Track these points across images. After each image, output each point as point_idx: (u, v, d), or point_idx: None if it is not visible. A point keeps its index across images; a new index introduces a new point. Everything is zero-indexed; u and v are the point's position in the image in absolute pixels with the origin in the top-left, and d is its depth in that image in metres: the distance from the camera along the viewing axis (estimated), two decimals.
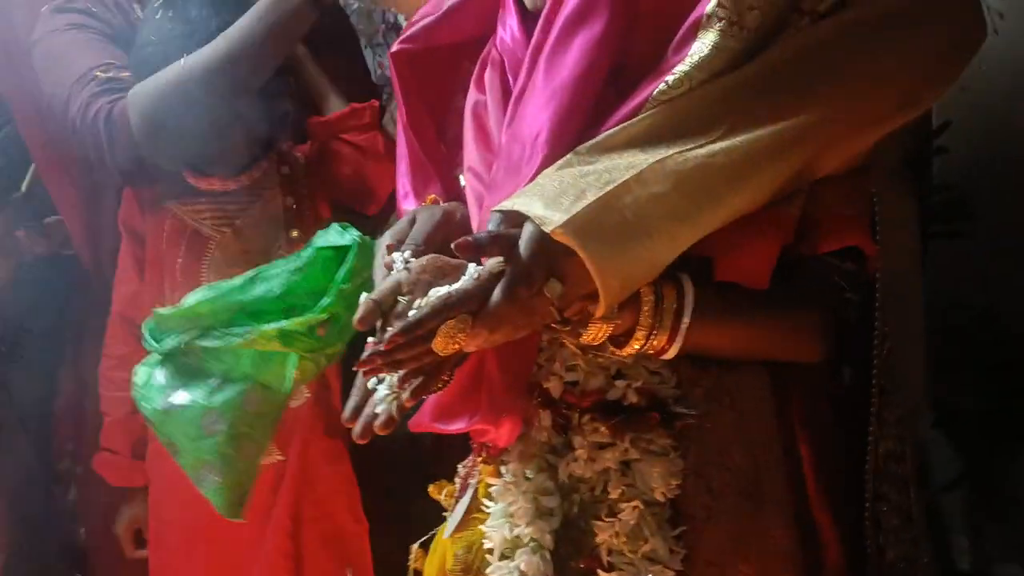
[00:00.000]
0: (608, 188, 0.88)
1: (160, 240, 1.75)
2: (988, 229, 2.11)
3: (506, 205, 0.90)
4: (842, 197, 1.02)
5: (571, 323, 0.91)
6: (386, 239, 1.02)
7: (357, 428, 0.94)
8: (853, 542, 1.06)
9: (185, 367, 1.43)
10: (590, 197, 0.87)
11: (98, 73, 1.64)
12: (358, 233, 1.42)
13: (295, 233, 1.74)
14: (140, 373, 1.48)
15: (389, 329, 0.87)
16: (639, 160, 0.90)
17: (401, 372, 0.88)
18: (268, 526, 1.70)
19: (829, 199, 1.01)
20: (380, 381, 0.91)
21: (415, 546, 1.22)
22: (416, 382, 0.89)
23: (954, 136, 2.11)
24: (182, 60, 1.57)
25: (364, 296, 0.91)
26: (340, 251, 1.40)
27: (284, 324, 1.35)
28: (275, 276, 1.42)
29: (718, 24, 0.93)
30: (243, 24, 1.56)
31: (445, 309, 0.86)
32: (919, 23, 0.94)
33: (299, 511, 1.73)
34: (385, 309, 0.90)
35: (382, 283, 0.93)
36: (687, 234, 0.90)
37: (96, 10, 1.74)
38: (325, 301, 1.36)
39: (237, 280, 1.45)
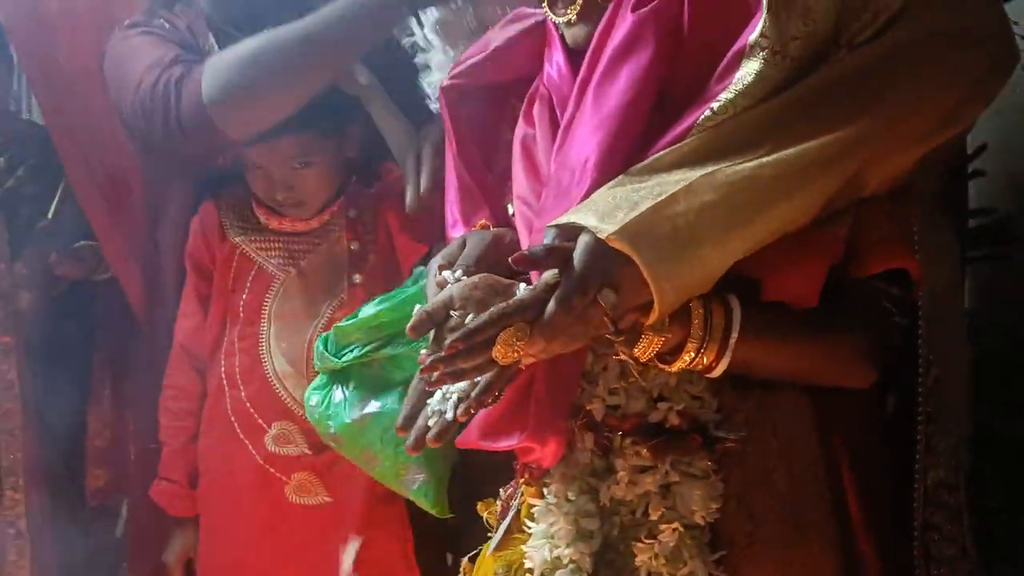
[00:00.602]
0: (660, 199, 0.91)
1: (227, 276, 1.78)
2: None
3: (561, 219, 0.93)
4: (886, 218, 1.04)
5: (624, 334, 0.93)
6: (437, 260, 1.06)
7: (411, 439, 0.96)
8: (899, 573, 1.07)
9: (367, 378, 1.43)
10: (643, 207, 0.90)
11: (171, 57, 1.65)
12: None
13: (358, 277, 1.77)
14: (315, 396, 1.48)
15: (449, 337, 0.90)
16: (689, 175, 0.93)
17: (458, 385, 0.91)
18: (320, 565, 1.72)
19: (874, 220, 1.03)
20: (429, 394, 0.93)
21: (465, 560, 1.24)
22: (473, 394, 0.91)
23: (991, 159, 2.11)
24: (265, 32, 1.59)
25: (417, 307, 0.94)
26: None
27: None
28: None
29: (761, 53, 0.95)
30: (335, 6, 1.57)
31: (504, 317, 0.89)
32: (957, 47, 0.97)
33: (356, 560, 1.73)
34: (437, 321, 0.94)
35: (435, 298, 0.96)
36: (737, 243, 0.93)
37: (169, 27, 1.77)
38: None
39: (410, 288, 1.45)
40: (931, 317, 1.06)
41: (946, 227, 1.14)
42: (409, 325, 0.94)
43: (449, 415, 0.94)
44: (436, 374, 0.91)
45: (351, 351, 1.45)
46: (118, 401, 2.07)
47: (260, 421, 1.73)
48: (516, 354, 0.89)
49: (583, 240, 0.90)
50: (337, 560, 1.71)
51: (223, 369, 1.76)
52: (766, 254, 0.96)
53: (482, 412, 1.00)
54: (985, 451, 2.14)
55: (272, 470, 1.73)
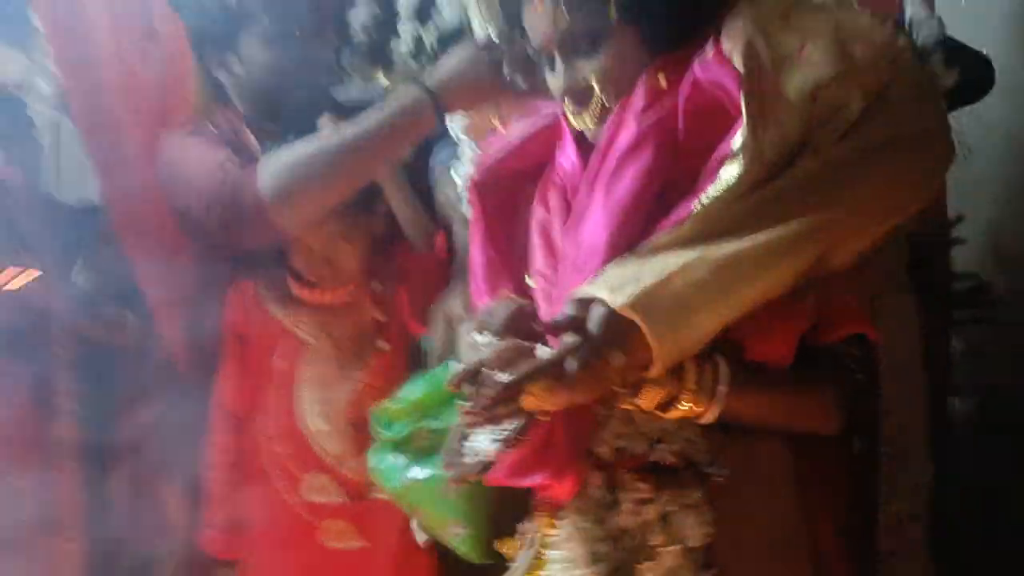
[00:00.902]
0: (661, 276, 1.10)
1: (264, 344, 1.97)
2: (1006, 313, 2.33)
3: (579, 293, 1.12)
4: (847, 291, 1.24)
5: (631, 388, 1.12)
6: (470, 327, 1.26)
7: (455, 474, 1.15)
8: None
9: (416, 447, 1.59)
10: (647, 283, 1.09)
11: (225, 162, 1.86)
12: None
13: (385, 345, 1.97)
14: (375, 457, 1.65)
15: (486, 391, 1.09)
16: (684, 255, 1.11)
17: (493, 428, 1.10)
18: None
19: (837, 293, 1.23)
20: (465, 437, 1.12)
21: None
22: (506, 435, 1.11)
23: (972, 227, 2.31)
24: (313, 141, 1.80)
25: (454, 365, 1.13)
26: None
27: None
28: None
29: (741, 158, 1.15)
30: (372, 116, 1.77)
31: (535, 373, 1.08)
32: (904, 150, 1.16)
33: None
34: (472, 378, 1.12)
35: (470, 359, 1.15)
36: (724, 311, 1.12)
37: (217, 131, 1.98)
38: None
39: (443, 370, 1.63)
40: (890, 375, 1.27)
41: (905, 299, 1.34)
42: (450, 379, 1.13)
43: (486, 452, 1.13)
44: (475, 420, 1.10)
45: (400, 427, 1.63)
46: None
47: (295, 473, 1.92)
48: (542, 404, 1.08)
49: (598, 310, 1.09)
50: None
51: (260, 427, 1.96)
52: (748, 321, 1.14)
53: (509, 455, 1.18)
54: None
55: (307, 517, 1.91)
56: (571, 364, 1.07)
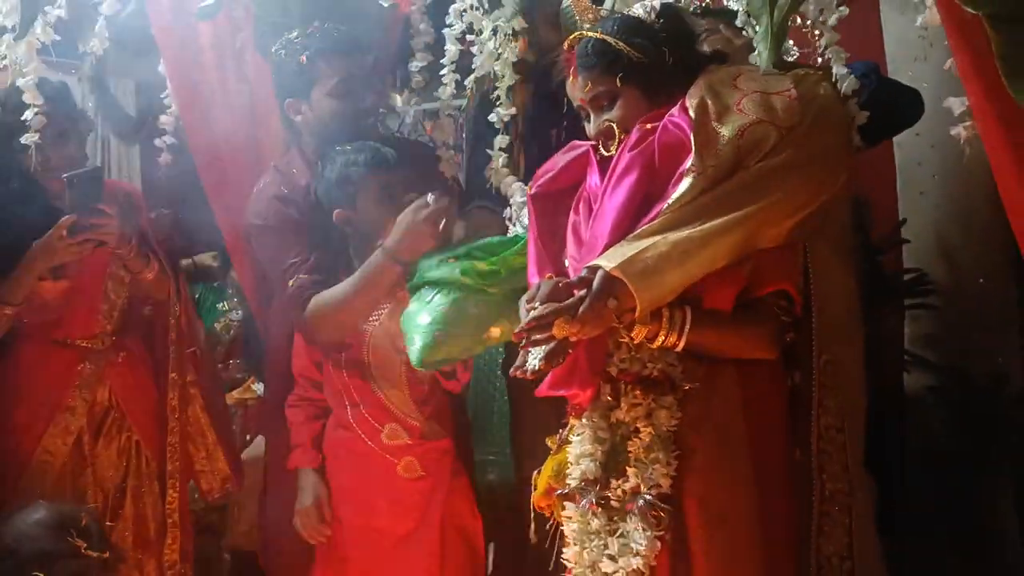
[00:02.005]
0: (638, 250, 1.69)
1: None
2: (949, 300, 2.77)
3: (590, 263, 1.73)
4: (773, 262, 1.81)
5: (624, 324, 1.73)
6: (526, 297, 1.82)
7: (515, 373, 1.76)
8: (803, 472, 1.86)
9: (418, 295, 2.24)
10: (628, 254, 1.69)
11: (292, 274, 2.48)
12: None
13: None
14: (407, 324, 2.25)
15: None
16: (654, 238, 1.71)
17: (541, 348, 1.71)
18: (421, 524, 2.50)
19: (765, 262, 1.81)
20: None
21: (535, 472, 2.03)
22: (546, 352, 1.71)
23: (913, 229, 2.82)
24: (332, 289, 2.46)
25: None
26: (512, 239, 2.23)
27: (464, 264, 2.18)
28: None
29: (692, 174, 1.75)
30: (358, 278, 2.42)
31: (561, 310, 1.68)
32: (804, 167, 1.76)
33: (442, 513, 2.52)
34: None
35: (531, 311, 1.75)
36: (681, 273, 1.71)
37: (292, 197, 2.56)
38: (495, 259, 2.18)
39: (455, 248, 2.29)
40: (822, 322, 1.85)
41: (838, 265, 1.90)
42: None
43: (535, 364, 1.73)
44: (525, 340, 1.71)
45: (415, 277, 2.30)
46: None
47: (376, 425, 2.49)
48: (563, 333, 1.68)
49: (599, 273, 1.70)
50: (431, 513, 2.50)
51: (343, 395, 2.52)
52: (703, 281, 1.74)
53: (549, 375, 1.81)
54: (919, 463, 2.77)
55: (387, 456, 2.49)
56: (582, 308, 1.68)
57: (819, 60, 2.13)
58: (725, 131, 1.76)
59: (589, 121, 1.97)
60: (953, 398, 2.75)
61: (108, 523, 2.64)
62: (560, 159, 2.05)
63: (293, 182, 2.57)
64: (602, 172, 1.93)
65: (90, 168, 2.60)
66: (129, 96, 4.11)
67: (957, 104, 1.88)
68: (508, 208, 2.45)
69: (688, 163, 1.76)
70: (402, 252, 2.34)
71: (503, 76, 2.42)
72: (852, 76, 2.03)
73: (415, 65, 2.68)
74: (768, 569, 1.80)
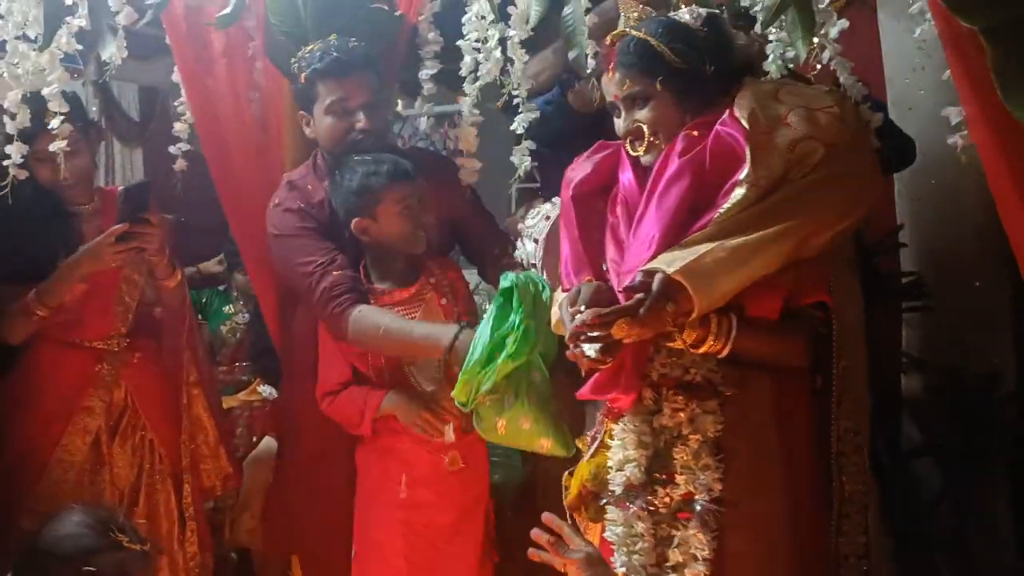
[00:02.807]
0: (695, 255, 1.76)
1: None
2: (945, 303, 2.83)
3: (644, 268, 1.78)
4: (813, 273, 1.89)
5: (678, 328, 1.78)
6: (567, 301, 1.89)
7: (573, 355, 1.85)
8: (824, 475, 1.93)
9: (488, 408, 2.22)
10: (688, 259, 1.75)
11: (319, 274, 2.50)
12: (513, 275, 2.23)
13: (452, 324, 2.48)
14: (475, 420, 2.27)
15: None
16: (710, 244, 1.78)
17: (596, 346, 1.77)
18: (464, 515, 2.59)
19: (805, 274, 1.88)
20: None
21: (566, 473, 2.09)
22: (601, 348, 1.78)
23: (910, 233, 2.88)
24: (385, 321, 2.47)
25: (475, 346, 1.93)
26: (507, 291, 2.20)
27: (506, 351, 2.15)
28: (481, 335, 2.22)
29: (745, 185, 1.82)
30: (414, 332, 2.44)
31: (622, 311, 1.75)
32: (843, 180, 1.85)
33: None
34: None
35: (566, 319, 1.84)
36: (736, 278, 1.78)
37: (309, 210, 2.60)
38: (516, 320, 2.16)
39: (468, 354, 2.23)
40: (841, 331, 1.93)
41: (852, 278, 2.00)
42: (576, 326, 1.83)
43: (592, 353, 1.81)
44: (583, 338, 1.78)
45: (469, 403, 2.25)
46: None
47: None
48: (622, 334, 1.74)
49: (658, 276, 1.75)
50: (475, 505, 2.63)
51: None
52: (748, 291, 1.81)
53: (594, 378, 1.88)
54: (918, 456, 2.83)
55: (435, 453, 2.56)
56: (641, 311, 1.74)
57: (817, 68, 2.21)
58: (777, 144, 1.83)
59: (619, 117, 2.02)
60: (949, 398, 2.81)
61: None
62: (589, 161, 2.10)
63: (308, 196, 2.63)
64: (636, 172, 2.00)
65: (142, 181, 2.71)
66: (132, 101, 4.15)
67: (954, 114, 1.91)
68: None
69: (742, 174, 1.83)
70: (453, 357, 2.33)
71: (519, 84, 2.49)
72: (859, 83, 2.11)
73: (424, 73, 2.75)
74: (800, 573, 1.87)
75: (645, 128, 1.96)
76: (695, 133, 1.91)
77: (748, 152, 1.82)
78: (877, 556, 1.97)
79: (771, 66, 2.04)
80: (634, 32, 1.97)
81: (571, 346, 1.84)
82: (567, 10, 2.65)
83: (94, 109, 3.74)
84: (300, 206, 2.61)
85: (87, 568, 2.28)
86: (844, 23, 2.12)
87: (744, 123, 1.86)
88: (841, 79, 2.08)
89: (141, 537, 2.40)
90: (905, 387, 2.92)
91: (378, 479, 2.59)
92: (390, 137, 2.90)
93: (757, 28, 2.09)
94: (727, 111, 1.90)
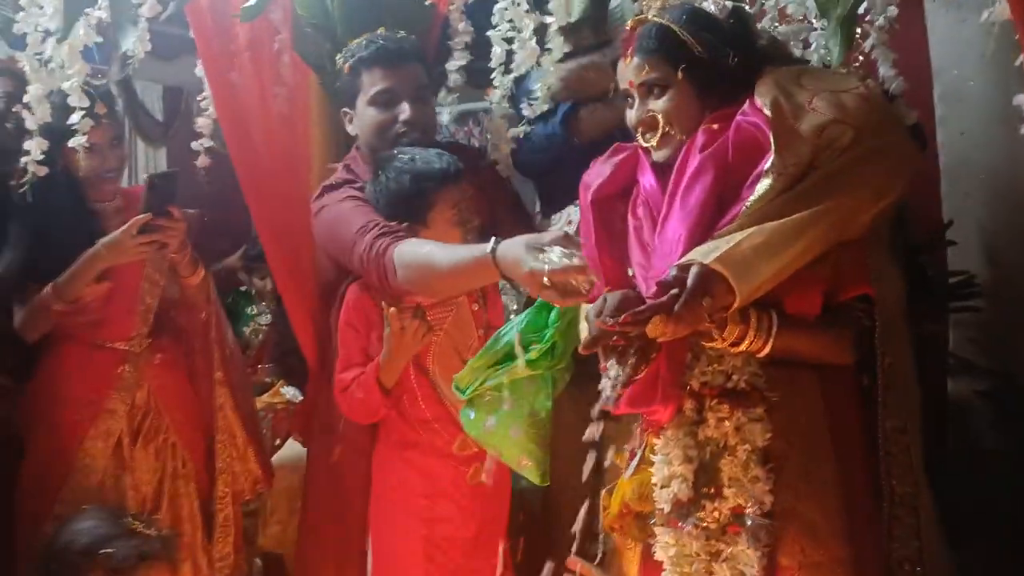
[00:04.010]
0: (732, 243, 1.68)
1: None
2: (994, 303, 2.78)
3: (679, 262, 1.71)
4: (853, 265, 1.82)
5: (716, 324, 1.71)
6: (593, 311, 1.82)
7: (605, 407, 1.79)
8: (874, 476, 1.84)
9: (484, 402, 2.17)
10: (724, 248, 1.68)
11: (373, 225, 2.33)
12: None
13: (482, 331, 2.46)
14: (462, 415, 2.23)
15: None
16: (745, 232, 1.70)
17: (622, 365, 1.71)
18: (483, 527, 2.52)
19: (845, 265, 1.81)
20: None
21: (604, 491, 2.00)
22: (634, 362, 1.71)
23: (958, 231, 2.82)
24: (428, 247, 2.23)
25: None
26: (547, 304, 2.09)
27: (527, 357, 2.08)
28: (508, 330, 2.16)
29: (772, 174, 1.75)
30: (464, 255, 2.13)
31: (657, 308, 1.67)
32: (880, 160, 1.77)
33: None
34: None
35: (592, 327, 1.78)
36: (776, 263, 1.71)
37: (358, 183, 2.50)
38: (547, 334, 2.09)
39: (488, 341, 2.19)
40: (884, 324, 1.84)
41: (893, 268, 1.91)
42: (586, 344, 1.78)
43: (614, 394, 1.74)
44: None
45: (469, 389, 2.20)
46: None
47: (448, 437, 2.47)
48: (657, 332, 1.67)
49: (694, 269, 1.68)
50: (496, 517, 2.54)
51: (409, 407, 2.47)
52: (787, 285, 1.73)
53: (628, 391, 1.79)
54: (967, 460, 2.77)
55: (460, 467, 2.48)
56: (678, 306, 1.67)
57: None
58: (803, 130, 1.76)
59: (631, 107, 1.94)
60: (997, 402, 2.75)
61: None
62: (607, 163, 2.03)
63: (360, 179, 2.54)
64: (656, 173, 1.92)
65: (170, 171, 2.64)
66: (156, 100, 4.13)
67: None
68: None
69: (767, 163, 1.76)
70: (507, 264, 1.98)
71: (547, 73, 2.41)
72: (900, 78, 2.03)
73: (453, 64, 2.69)
74: None
75: (660, 119, 1.89)
76: (715, 127, 1.85)
77: (772, 140, 1.76)
78: (937, 562, 1.89)
79: (831, 55, 1.98)
80: (657, 19, 1.90)
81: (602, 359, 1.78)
82: (614, 2, 2.61)
83: (117, 108, 3.68)
84: (358, 184, 2.50)
85: (105, 551, 2.29)
86: (893, 11, 2.06)
87: (767, 111, 1.79)
88: (880, 71, 2.02)
89: (157, 525, 2.40)
90: (952, 391, 2.87)
91: (397, 490, 2.51)
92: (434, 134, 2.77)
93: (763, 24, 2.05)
94: (747, 101, 1.84)
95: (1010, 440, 2.71)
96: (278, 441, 3.60)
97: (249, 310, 3.99)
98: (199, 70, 2.77)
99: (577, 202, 2.27)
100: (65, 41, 2.35)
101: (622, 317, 1.68)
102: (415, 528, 2.48)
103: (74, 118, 2.44)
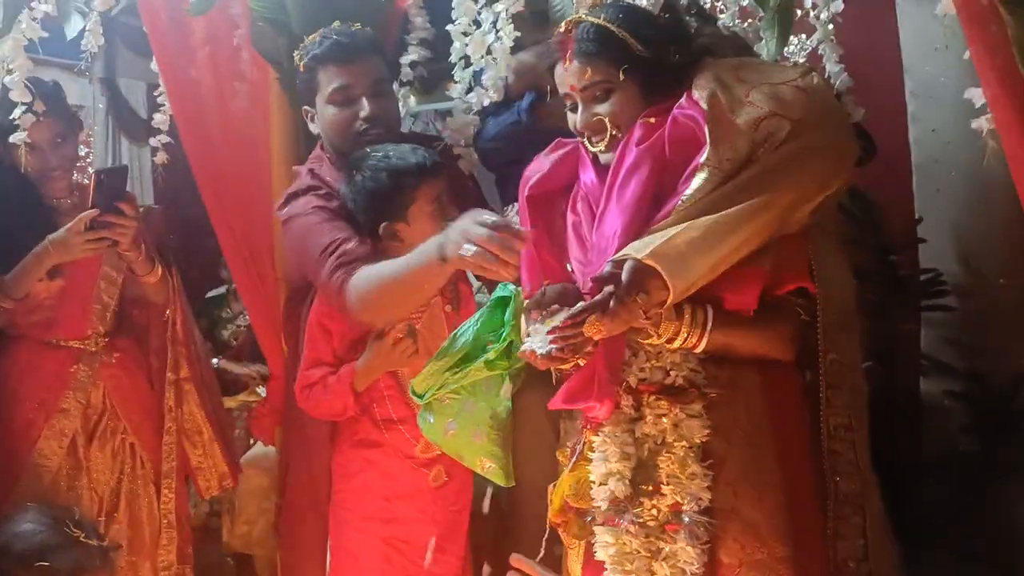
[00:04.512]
0: (666, 238, 1.65)
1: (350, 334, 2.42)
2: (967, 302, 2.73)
3: (615, 257, 1.68)
4: (793, 257, 1.79)
5: (651, 320, 1.68)
6: (531, 305, 1.80)
7: (523, 354, 1.75)
8: (819, 474, 1.81)
9: (443, 406, 2.12)
10: (657, 243, 1.65)
11: (335, 247, 2.27)
12: (513, 286, 2.04)
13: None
14: (420, 419, 2.18)
15: (557, 322, 1.66)
16: (679, 227, 1.67)
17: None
18: (447, 529, 2.47)
19: (785, 258, 1.78)
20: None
21: (550, 486, 1.95)
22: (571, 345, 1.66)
23: (930, 228, 2.78)
24: (378, 267, 2.19)
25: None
26: (503, 300, 2.04)
27: (486, 357, 2.03)
28: (465, 330, 2.10)
29: (707, 168, 1.72)
30: (410, 257, 2.10)
31: (592, 307, 1.64)
32: (817, 154, 1.75)
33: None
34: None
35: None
36: (711, 260, 1.68)
37: (323, 189, 2.44)
38: (504, 332, 2.02)
39: (444, 344, 2.12)
40: (826, 320, 1.81)
41: (840, 262, 1.88)
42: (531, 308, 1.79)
43: (546, 349, 1.69)
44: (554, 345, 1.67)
45: (427, 394, 2.14)
46: None
47: (411, 440, 2.41)
48: (594, 331, 1.63)
49: (628, 264, 1.65)
50: (458, 519, 2.50)
51: (376, 407, 2.43)
52: (723, 280, 1.69)
53: (565, 386, 1.75)
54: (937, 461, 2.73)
55: (421, 469, 2.43)
56: (612, 304, 1.63)
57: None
58: (740, 124, 1.73)
59: (575, 112, 1.90)
60: (970, 402, 2.71)
61: (103, 525, 2.64)
62: (547, 159, 1.99)
63: (327, 183, 2.47)
64: (596, 169, 1.88)
65: (119, 166, 2.57)
66: (140, 97, 4.11)
67: (978, 95, 1.80)
68: None
69: (703, 157, 1.72)
70: (453, 259, 1.97)
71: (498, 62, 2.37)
72: (845, 74, 1.99)
73: (407, 59, 2.67)
74: None
75: (607, 121, 1.85)
76: (652, 120, 1.81)
77: (708, 134, 1.73)
78: (884, 561, 1.87)
79: (765, 48, 1.96)
80: (591, 18, 1.86)
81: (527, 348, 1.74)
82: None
83: (100, 106, 3.66)
84: (323, 191, 2.45)
85: (41, 563, 2.23)
86: (839, 4, 2.02)
87: (703, 105, 1.76)
88: (827, 67, 1.98)
89: (100, 534, 2.34)
90: (924, 391, 2.82)
91: (358, 491, 2.47)
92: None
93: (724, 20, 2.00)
94: (684, 94, 1.81)
95: (982, 441, 2.67)
96: (252, 440, 3.60)
97: (224, 313, 3.97)
98: (154, 65, 2.73)
99: None
100: (8, 36, 2.30)
101: (559, 323, 1.65)
102: (374, 529, 2.44)
103: (16, 112, 2.40)
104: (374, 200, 2.31)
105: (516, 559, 1.88)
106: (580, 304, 1.65)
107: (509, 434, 2.11)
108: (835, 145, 1.78)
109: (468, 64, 2.51)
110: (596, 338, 1.65)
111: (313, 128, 2.55)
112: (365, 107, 2.43)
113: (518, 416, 2.50)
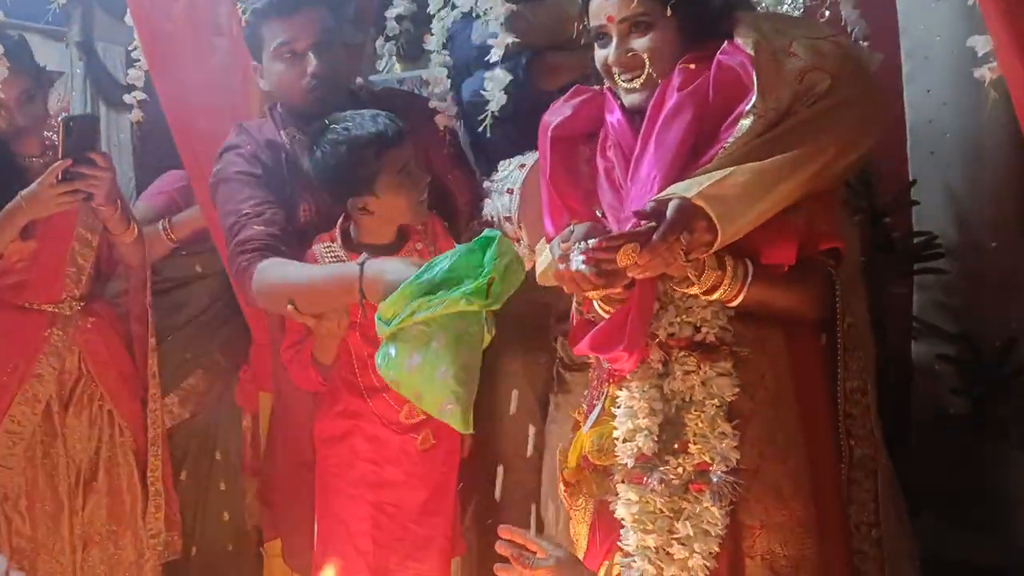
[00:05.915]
0: (714, 180, 1.62)
1: None
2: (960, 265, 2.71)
3: (660, 196, 1.65)
4: (825, 218, 1.77)
5: (692, 262, 1.63)
6: (559, 239, 1.73)
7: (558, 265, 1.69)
8: (836, 437, 1.80)
9: (409, 338, 1.96)
10: (706, 184, 1.62)
11: (239, 228, 2.27)
12: (500, 233, 1.97)
13: None
14: (379, 355, 2.01)
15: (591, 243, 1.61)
16: (727, 170, 1.64)
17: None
18: (436, 491, 2.45)
19: (817, 218, 1.76)
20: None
21: (560, 446, 1.93)
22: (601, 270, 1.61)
23: (923, 191, 2.75)
24: (290, 268, 2.21)
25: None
26: (486, 240, 1.92)
27: (464, 288, 1.89)
28: (440, 260, 1.96)
29: (752, 115, 1.69)
30: (316, 275, 2.18)
31: (632, 236, 1.59)
32: (852, 106, 1.72)
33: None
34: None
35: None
36: (758, 209, 1.65)
37: (257, 155, 2.38)
38: (487, 269, 1.89)
39: (420, 270, 1.97)
40: (844, 283, 1.78)
41: (846, 220, 1.88)
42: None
43: (574, 267, 1.63)
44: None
45: (395, 321, 1.99)
46: None
47: (395, 407, 2.38)
48: (628, 261, 1.58)
49: (673, 202, 1.62)
50: (446, 480, 2.48)
51: (358, 373, 2.38)
52: (761, 235, 1.67)
53: (592, 332, 1.72)
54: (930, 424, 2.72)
55: (407, 434, 2.40)
56: (654, 237, 1.59)
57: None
58: (785, 73, 1.70)
59: (604, 47, 1.83)
60: (961, 365, 2.69)
61: (81, 494, 2.62)
62: (568, 104, 1.93)
63: (258, 141, 2.43)
64: (626, 114, 1.84)
65: (88, 113, 2.47)
66: (119, 62, 4.01)
67: (981, 43, 1.80)
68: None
69: (748, 103, 1.69)
70: (370, 289, 2.06)
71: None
72: (863, 20, 2.02)
73: (392, 12, 2.59)
74: (822, 540, 1.73)
75: (646, 58, 1.79)
76: (692, 66, 1.77)
77: (756, 81, 1.69)
78: (893, 524, 1.86)
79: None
80: None
81: (561, 266, 1.67)
82: None
83: (78, 71, 3.55)
84: (248, 150, 2.40)
85: None
86: None
87: (749, 50, 1.72)
88: (843, 14, 1.93)
89: None
90: (915, 354, 2.80)
91: (345, 457, 2.43)
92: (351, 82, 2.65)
93: None
94: (726, 41, 1.77)
95: (973, 404, 2.66)
96: None
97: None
98: (128, 18, 2.61)
99: (528, 152, 2.24)
100: None
101: (594, 244, 1.59)
102: (362, 494, 2.41)
103: None
104: (337, 174, 2.26)
105: (505, 529, 1.83)
106: (621, 231, 1.61)
107: (476, 382, 1.98)
108: (868, 101, 1.76)
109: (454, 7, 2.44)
110: (630, 273, 1.61)
111: (263, 85, 2.49)
112: (312, 62, 2.37)
113: (501, 384, 2.48)
